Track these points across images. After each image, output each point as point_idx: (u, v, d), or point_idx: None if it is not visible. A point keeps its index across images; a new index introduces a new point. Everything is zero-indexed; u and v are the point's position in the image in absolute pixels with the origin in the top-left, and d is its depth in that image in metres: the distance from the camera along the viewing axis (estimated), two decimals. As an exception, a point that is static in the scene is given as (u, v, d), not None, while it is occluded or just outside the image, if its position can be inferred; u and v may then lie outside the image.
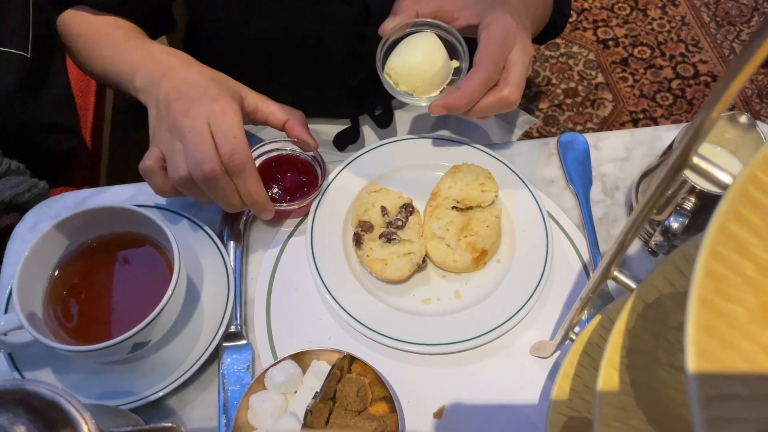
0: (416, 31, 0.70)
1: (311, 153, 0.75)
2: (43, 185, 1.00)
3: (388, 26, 0.69)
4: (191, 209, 0.76)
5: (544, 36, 0.91)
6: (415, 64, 0.68)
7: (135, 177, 0.79)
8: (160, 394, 0.62)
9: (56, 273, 0.64)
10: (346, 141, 0.95)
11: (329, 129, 0.98)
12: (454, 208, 0.72)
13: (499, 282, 0.70)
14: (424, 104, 0.70)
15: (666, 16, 2.26)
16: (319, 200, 0.74)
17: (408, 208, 0.72)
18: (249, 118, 0.71)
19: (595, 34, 2.22)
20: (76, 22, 0.80)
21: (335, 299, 0.68)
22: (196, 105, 0.63)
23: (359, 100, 0.91)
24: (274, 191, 0.73)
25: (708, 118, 0.30)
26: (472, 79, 0.65)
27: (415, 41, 0.69)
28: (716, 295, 0.28)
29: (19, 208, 0.94)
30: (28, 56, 1.02)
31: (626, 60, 2.15)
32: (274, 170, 0.74)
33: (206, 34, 0.89)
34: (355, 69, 0.85)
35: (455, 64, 0.71)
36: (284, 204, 0.71)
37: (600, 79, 2.11)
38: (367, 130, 0.98)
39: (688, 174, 0.62)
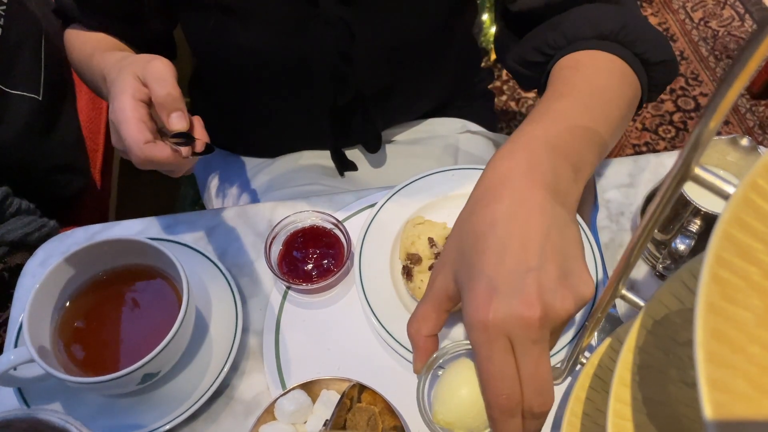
0: (448, 358, 0.57)
1: (335, 223, 0.73)
2: (53, 224, 1.01)
3: (419, 369, 0.56)
4: (200, 242, 0.76)
5: None
6: (464, 404, 0.53)
7: (143, 217, 0.80)
8: (168, 427, 0.62)
9: (66, 306, 0.64)
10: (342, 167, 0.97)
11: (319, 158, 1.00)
12: None
13: None
14: None
15: (665, 51, 2.30)
16: (364, 236, 0.74)
17: None
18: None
19: (595, 70, 2.25)
20: (70, 38, 0.84)
21: (392, 336, 0.67)
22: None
23: (344, 126, 0.93)
24: (304, 269, 0.72)
25: (706, 128, 0.31)
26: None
27: (452, 376, 0.55)
28: (723, 300, 0.28)
29: (29, 248, 0.95)
30: (40, 99, 1.05)
31: (627, 94, 2.17)
32: (301, 244, 0.73)
33: (201, 64, 0.92)
34: (340, 90, 0.87)
35: None
36: (310, 284, 0.70)
37: (602, 113, 2.13)
38: (369, 159, 1.00)
39: (691, 196, 0.62)
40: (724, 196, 0.33)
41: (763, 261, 0.29)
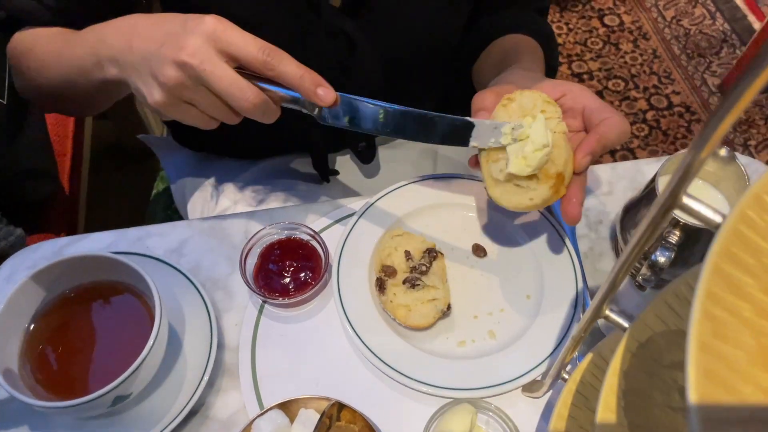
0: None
1: (312, 234, 0.71)
2: (20, 233, 0.98)
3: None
4: (173, 256, 0.74)
5: None
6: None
7: (114, 222, 0.78)
8: (142, 448, 0.60)
9: (33, 326, 0.62)
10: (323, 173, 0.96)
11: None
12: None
13: (534, 317, 0.69)
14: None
15: (638, 49, 2.31)
16: (342, 248, 0.73)
17: (431, 253, 0.71)
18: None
19: (569, 68, 2.26)
20: (27, 38, 0.77)
21: (371, 350, 0.66)
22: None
23: (336, 135, 0.91)
24: (280, 282, 0.70)
25: (697, 159, 0.30)
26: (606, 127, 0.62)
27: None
28: (714, 338, 0.27)
29: (-5, 257, 0.92)
30: (5, 102, 1.01)
31: (601, 93, 2.19)
32: (277, 256, 0.71)
33: None
34: None
35: None
36: (287, 299, 0.68)
37: (576, 112, 2.14)
38: (347, 163, 0.99)
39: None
40: (713, 227, 0.32)
41: (754, 296, 0.29)
